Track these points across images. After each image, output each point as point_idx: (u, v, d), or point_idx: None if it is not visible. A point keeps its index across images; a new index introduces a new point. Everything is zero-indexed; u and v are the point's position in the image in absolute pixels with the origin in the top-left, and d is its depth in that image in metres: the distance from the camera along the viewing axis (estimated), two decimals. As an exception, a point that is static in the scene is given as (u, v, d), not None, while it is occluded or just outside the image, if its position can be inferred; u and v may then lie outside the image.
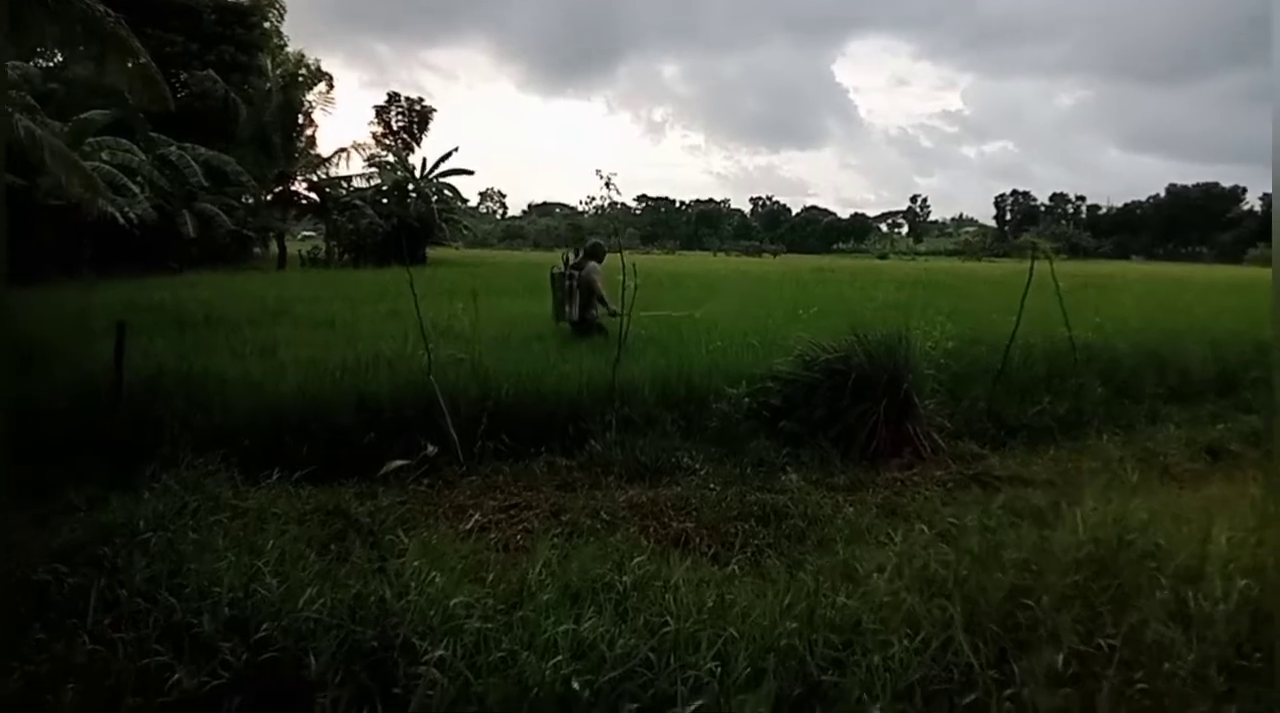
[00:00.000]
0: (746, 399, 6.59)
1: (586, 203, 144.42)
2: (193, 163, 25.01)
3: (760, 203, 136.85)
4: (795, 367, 6.70)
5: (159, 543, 3.77)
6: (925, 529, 4.64)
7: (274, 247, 36.21)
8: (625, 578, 3.46)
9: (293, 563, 3.59)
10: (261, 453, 5.36)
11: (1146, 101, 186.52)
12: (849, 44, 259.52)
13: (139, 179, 22.08)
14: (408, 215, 36.01)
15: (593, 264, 9.27)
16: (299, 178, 35.70)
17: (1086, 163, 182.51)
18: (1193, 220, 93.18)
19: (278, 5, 34.08)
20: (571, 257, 9.52)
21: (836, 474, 5.90)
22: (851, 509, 5.16)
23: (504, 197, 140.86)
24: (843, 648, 2.91)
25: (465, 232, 45.13)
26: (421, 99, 45.79)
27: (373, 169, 37.77)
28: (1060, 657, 2.78)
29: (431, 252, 38.82)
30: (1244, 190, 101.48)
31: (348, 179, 36.93)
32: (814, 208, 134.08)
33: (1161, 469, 6.08)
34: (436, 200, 37.80)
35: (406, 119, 45.45)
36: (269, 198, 34.61)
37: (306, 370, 6.79)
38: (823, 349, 6.63)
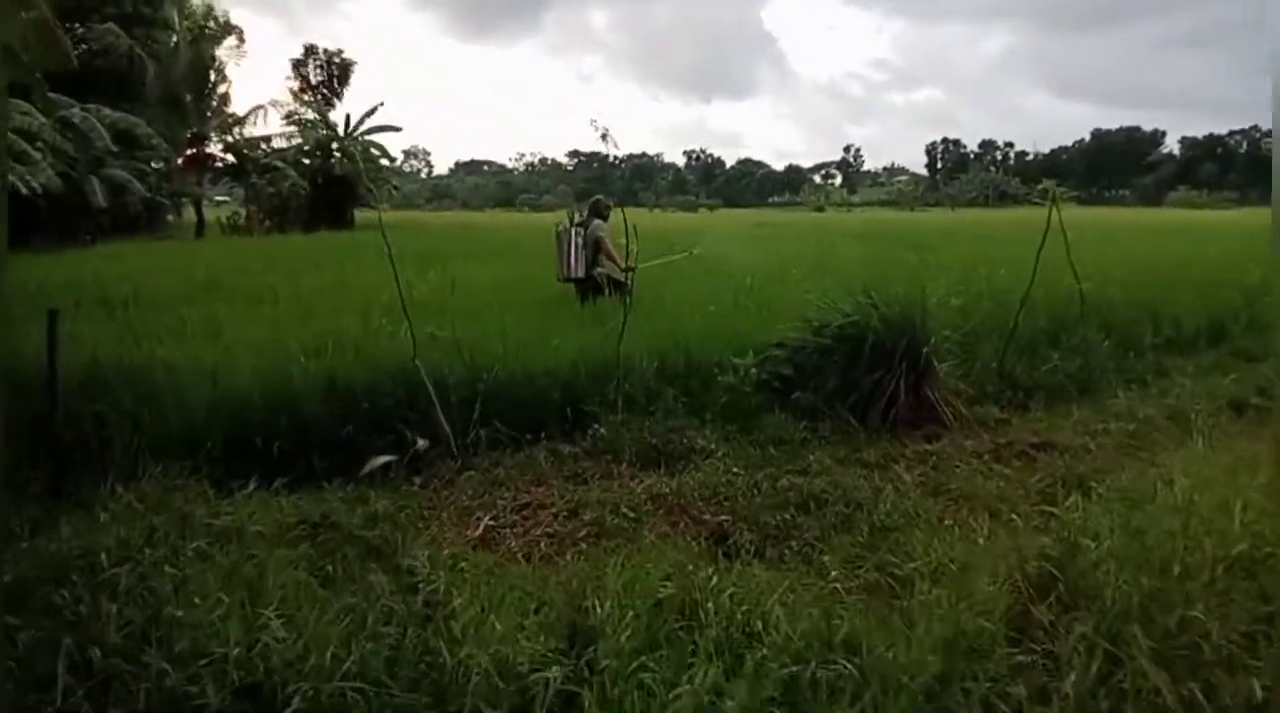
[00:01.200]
0: (754, 370, 6.09)
1: (517, 159, 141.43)
2: (98, 125, 23.12)
3: (694, 156, 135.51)
4: (806, 333, 6.22)
5: (129, 581, 3.09)
6: (987, 515, 4.31)
7: (190, 214, 34.07)
8: (708, 602, 2.92)
9: (297, 600, 2.97)
10: (229, 457, 4.68)
11: (1072, 47, 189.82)
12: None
13: (39, 145, 20.32)
14: (333, 176, 34.35)
15: (598, 222, 9.02)
16: (214, 139, 33.65)
17: (1014, 109, 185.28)
18: (1116, 164, 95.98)
19: (181, -49, 31.69)
20: (576, 215, 9.17)
21: (862, 449, 5.47)
22: (891, 489, 4.74)
23: (429, 154, 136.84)
24: (993, 681, 2.46)
25: (394, 192, 43.42)
26: (341, 51, 43.31)
27: (292, 128, 35.89)
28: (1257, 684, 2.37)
29: (358, 214, 37.20)
30: (1164, 134, 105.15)
31: (266, 139, 35.05)
32: (748, 160, 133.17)
33: (1192, 428, 5.83)
34: (363, 159, 36.05)
35: (326, 73, 42.95)
36: (182, 162, 32.49)
37: (261, 355, 6.02)
38: (836, 313, 6.15)
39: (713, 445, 5.43)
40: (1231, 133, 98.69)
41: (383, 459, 4.89)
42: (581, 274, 8.83)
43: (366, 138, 37.62)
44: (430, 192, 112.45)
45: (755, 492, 4.69)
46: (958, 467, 5.19)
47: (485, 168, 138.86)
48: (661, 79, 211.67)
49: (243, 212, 36.36)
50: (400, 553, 3.76)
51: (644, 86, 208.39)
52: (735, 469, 5.04)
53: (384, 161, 39.48)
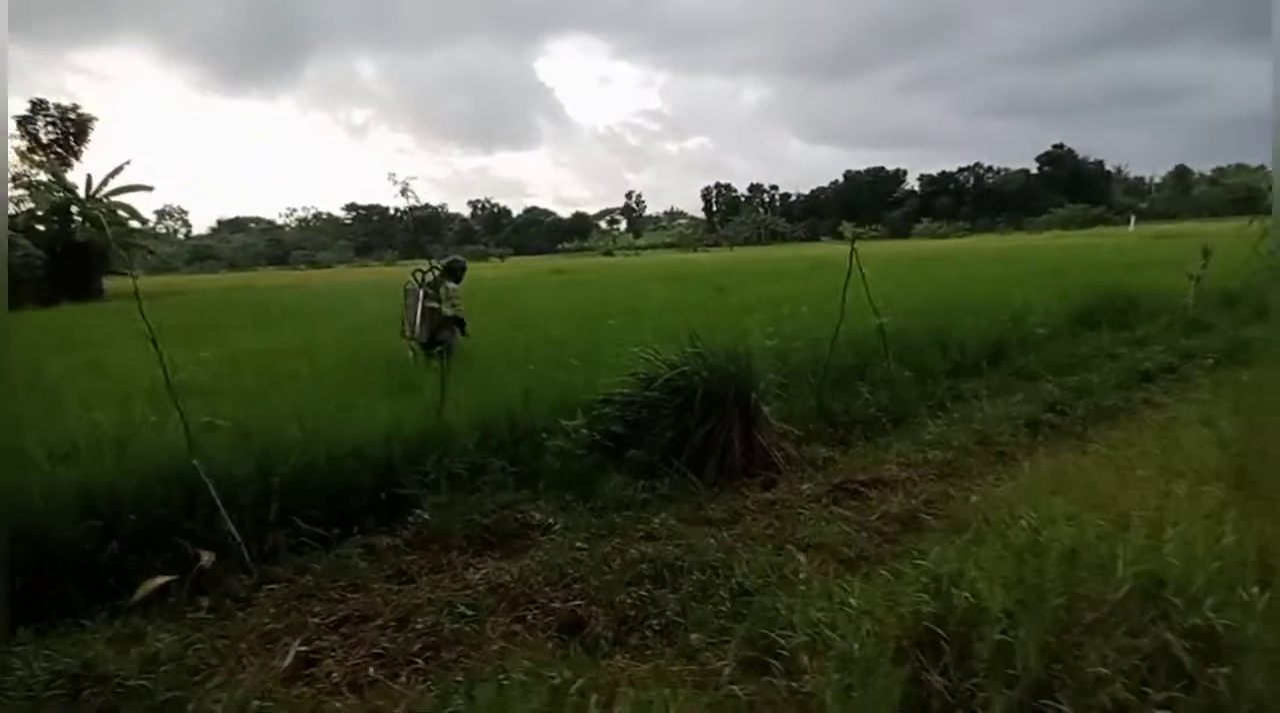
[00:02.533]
0: (584, 430, 5.74)
1: (287, 215, 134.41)
2: None
3: (480, 206, 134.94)
4: (635, 387, 5.97)
5: None
6: (835, 564, 4.22)
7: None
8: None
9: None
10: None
11: (820, 96, 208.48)
12: (548, 43, 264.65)
13: None
14: (74, 242, 30.65)
15: (451, 286, 8.58)
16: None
17: (775, 154, 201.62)
18: (866, 202, 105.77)
19: None
20: (426, 273, 8.35)
21: (705, 505, 5.26)
22: (742, 548, 4.53)
23: (185, 213, 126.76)
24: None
25: (150, 256, 39.48)
26: (76, 106, 39.09)
27: (21, 192, 31.70)
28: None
29: (109, 283, 33.37)
30: (905, 172, 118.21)
31: (-14, 204, 30.62)
32: (535, 208, 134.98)
33: (998, 450, 6.14)
34: (110, 223, 32.44)
35: (59, 130, 38.55)
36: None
37: (-7, 462, 4.91)
38: (663, 364, 5.94)
39: (550, 519, 5.00)
40: (960, 169, 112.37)
41: (158, 581, 4.06)
42: (425, 339, 8.40)
43: (113, 199, 33.96)
44: (191, 253, 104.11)
45: (605, 568, 4.31)
46: (800, 513, 5.10)
47: (252, 225, 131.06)
48: (438, 130, 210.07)
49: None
50: (192, 703, 3.06)
51: (419, 137, 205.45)
52: (579, 543, 4.64)
53: (134, 223, 35.76)
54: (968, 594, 3.09)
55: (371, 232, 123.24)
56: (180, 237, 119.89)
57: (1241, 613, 2.83)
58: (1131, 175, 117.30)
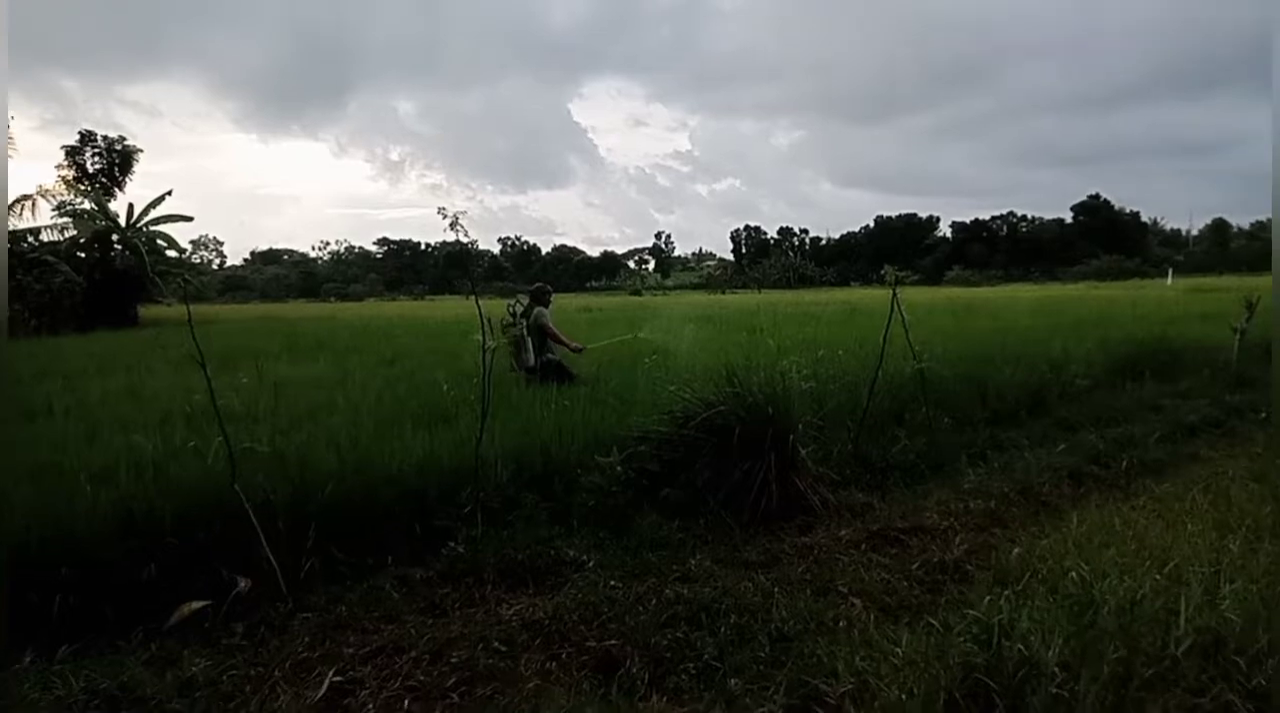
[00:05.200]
0: (619, 467, 5.70)
1: (320, 248, 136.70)
2: None
3: (510, 243, 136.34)
4: (671, 425, 5.93)
5: None
6: (879, 613, 4.12)
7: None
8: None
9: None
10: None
11: (852, 140, 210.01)
12: (585, 85, 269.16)
13: None
14: (114, 270, 31.32)
15: (540, 309, 9.30)
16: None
17: (805, 197, 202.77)
18: (897, 247, 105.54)
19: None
20: (518, 307, 9.34)
21: (741, 547, 5.18)
22: (779, 592, 4.45)
23: (221, 243, 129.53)
24: None
25: (185, 284, 40.16)
26: (123, 138, 40.21)
27: (65, 219, 32.46)
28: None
29: (144, 310, 33.96)
30: (937, 219, 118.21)
31: (34, 232, 31.42)
32: (564, 246, 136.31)
33: (1040, 500, 6.02)
34: (148, 251, 33.06)
35: (105, 161, 39.64)
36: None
37: (38, 482, 4.96)
38: (700, 403, 5.91)
39: (584, 556, 4.95)
40: (994, 217, 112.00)
41: (195, 605, 4.07)
42: (532, 363, 8.98)
43: (152, 228, 34.70)
44: (223, 283, 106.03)
45: (640, 608, 4.25)
46: (839, 559, 5.00)
47: (285, 257, 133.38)
48: (472, 168, 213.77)
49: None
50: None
51: (452, 174, 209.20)
52: (613, 582, 4.58)
53: (171, 253, 36.46)
54: (1020, 646, 3.00)
55: (402, 266, 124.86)
56: (214, 266, 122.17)
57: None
58: (1169, 227, 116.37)
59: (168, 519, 4.54)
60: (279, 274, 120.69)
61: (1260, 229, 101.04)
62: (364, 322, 25.38)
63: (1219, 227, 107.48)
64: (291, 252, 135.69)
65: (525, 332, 8.97)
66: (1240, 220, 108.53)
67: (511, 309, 9.20)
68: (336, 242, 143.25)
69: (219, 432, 4.72)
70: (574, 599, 4.37)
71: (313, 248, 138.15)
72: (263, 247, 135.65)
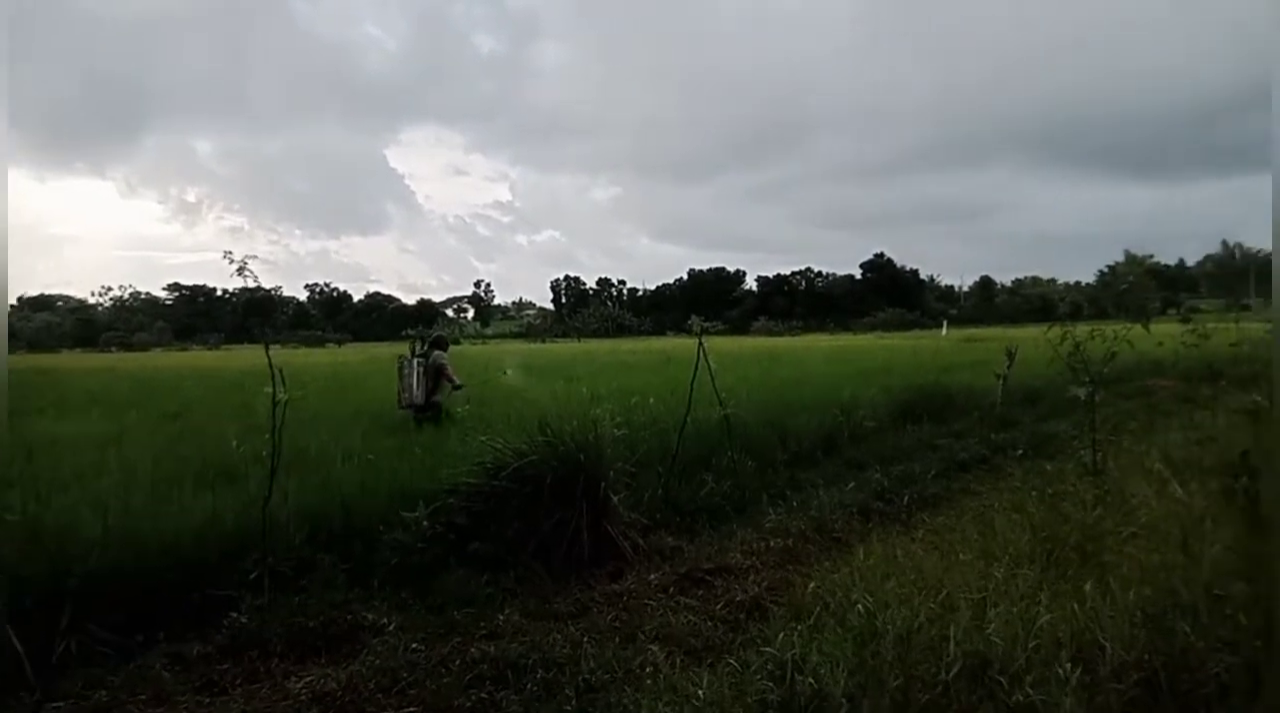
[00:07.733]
0: (425, 522, 5.50)
1: (101, 293, 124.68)
2: None
3: (318, 289, 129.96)
4: (481, 476, 5.81)
5: None
6: (682, 655, 4.19)
7: None
8: None
9: None
10: None
11: (667, 198, 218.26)
12: (402, 131, 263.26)
13: None
14: None
15: (438, 352, 10.37)
16: None
17: (623, 250, 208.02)
18: (709, 299, 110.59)
19: None
20: (418, 347, 10.42)
21: (552, 598, 5.13)
22: (589, 642, 4.43)
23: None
24: None
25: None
26: None
27: None
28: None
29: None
30: (744, 273, 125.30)
31: None
32: (377, 294, 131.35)
33: (833, 536, 6.37)
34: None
35: None
36: None
37: None
38: (511, 453, 5.83)
39: (384, 619, 4.71)
40: (794, 272, 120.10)
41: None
42: (421, 401, 9.88)
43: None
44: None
45: (443, 670, 4.09)
46: (647, 604, 5.06)
47: (59, 303, 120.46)
48: (276, 211, 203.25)
49: None
50: None
51: (255, 217, 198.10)
52: (415, 644, 4.40)
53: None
54: (811, 679, 3.14)
55: (195, 313, 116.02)
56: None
57: (1057, 689, 3.01)
58: (943, 283, 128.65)
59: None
60: (51, 322, 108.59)
61: (1019, 286, 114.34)
62: (148, 373, 23.30)
63: (985, 283, 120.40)
64: (67, 297, 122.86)
65: (423, 372, 9.93)
66: (1003, 277, 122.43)
67: (414, 350, 10.27)
68: (120, 286, 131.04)
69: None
70: (371, 667, 4.14)
71: (92, 294, 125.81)
72: (31, 292, 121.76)
